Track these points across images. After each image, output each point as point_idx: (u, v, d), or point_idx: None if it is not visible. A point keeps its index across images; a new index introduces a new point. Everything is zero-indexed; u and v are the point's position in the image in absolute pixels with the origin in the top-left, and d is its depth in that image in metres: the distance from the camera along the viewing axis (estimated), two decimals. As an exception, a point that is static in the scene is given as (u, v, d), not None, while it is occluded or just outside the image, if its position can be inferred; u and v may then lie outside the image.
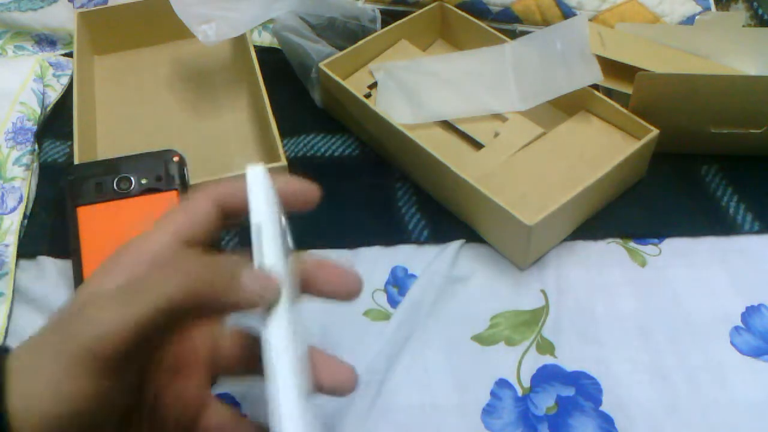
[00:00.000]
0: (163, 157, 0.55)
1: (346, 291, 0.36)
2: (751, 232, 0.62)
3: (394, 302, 0.57)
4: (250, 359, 0.36)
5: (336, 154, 0.69)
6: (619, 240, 0.62)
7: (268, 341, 0.31)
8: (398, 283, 0.59)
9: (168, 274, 0.30)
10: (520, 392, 0.52)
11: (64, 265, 0.60)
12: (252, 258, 0.33)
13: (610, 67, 0.66)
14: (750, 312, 0.57)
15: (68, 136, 0.64)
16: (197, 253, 0.33)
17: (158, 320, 0.29)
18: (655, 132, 0.62)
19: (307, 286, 0.36)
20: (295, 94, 0.73)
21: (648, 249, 0.61)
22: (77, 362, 0.28)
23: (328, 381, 0.34)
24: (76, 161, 0.59)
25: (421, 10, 0.75)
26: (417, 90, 0.68)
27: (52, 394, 0.28)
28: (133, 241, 0.33)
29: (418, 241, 0.61)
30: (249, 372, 0.37)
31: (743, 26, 0.74)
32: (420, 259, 0.60)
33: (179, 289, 0.29)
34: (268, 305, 0.31)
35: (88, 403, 0.29)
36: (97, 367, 0.28)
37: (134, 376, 0.32)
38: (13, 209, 0.62)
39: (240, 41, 0.75)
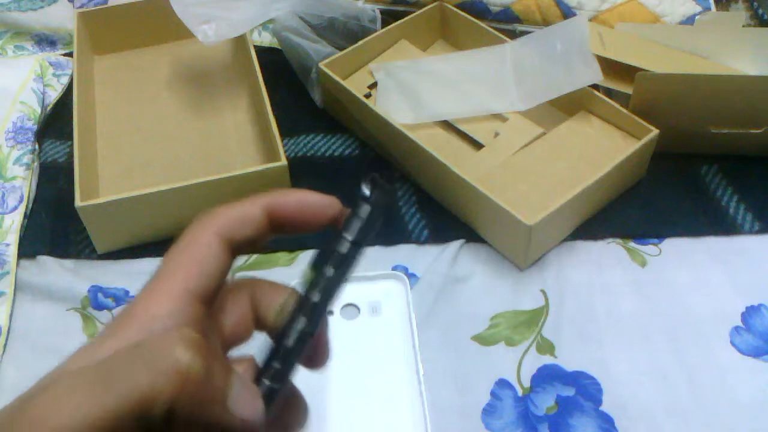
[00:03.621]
0: None
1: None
2: (751, 232, 0.62)
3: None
4: None
5: (336, 154, 0.69)
6: (619, 240, 0.62)
7: None
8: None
9: (147, 365, 0.24)
10: (520, 392, 0.52)
11: (64, 265, 0.60)
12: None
13: (610, 67, 0.66)
14: (750, 312, 0.57)
15: (68, 136, 0.64)
16: (192, 342, 0.25)
17: (123, 418, 0.24)
18: (655, 132, 0.62)
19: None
20: (295, 94, 0.73)
21: (648, 249, 0.61)
22: None
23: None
24: (75, 161, 0.59)
25: (421, 10, 0.75)
26: (417, 90, 0.68)
27: None
28: (138, 300, 0.28)
29: (418, 241, 0.61)
30: None
31: (743, 26, 0.74)
32: (420, 259, 0.60)
33: (154, 387, 0.24)
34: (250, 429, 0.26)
35: None
36: None
37: None
38: (14, 209, 0.62)
39: (240, 41, 0.75)
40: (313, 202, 0.30)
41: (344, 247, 0.28)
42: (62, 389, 0.24)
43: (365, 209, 0.28)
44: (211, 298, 0.29)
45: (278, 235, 0.31)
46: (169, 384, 0.24)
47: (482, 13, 0.76)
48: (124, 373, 0.24)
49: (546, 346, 0.54)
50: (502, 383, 0.52)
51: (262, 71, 0.67)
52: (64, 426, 0.23)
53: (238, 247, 0.29)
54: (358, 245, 0.28)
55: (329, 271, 0.27)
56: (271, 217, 0.30)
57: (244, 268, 0.59)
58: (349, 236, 0.28)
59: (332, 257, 0.28)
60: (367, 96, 0.70)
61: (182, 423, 0.25)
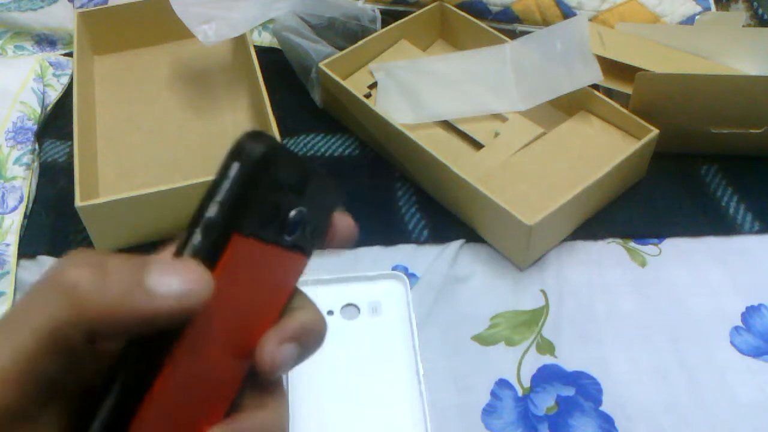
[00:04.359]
0: None
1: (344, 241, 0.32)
2: (751, 232, 0.62)
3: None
4: None
5: (336, 154, 0.69)
6: (619, 240, 0.62)
7: None
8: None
9: (38, 298, 0.23)
10: (520, 392, 0.52)
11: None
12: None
13: (610, 67, 0.66)
14: (750, 312, 0.57)
15: (68, 136, 0.64)
16: (74, 260, 0.24)
17: (39, 353, 0.22)
18: (655, 132, 0.62)
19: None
20: (295, 94, 0.73)
21: (648, 249, 0.61)
22: None
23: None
24: (75, 161, 0.59)
25: (421, 10, 0.75)
26: (417, 90, 0.68)
27: None
28: None
29: (418, 241, 0.61)
30: None
31: (743, 26, 0.74)
32: (420, 258, 0.60)
33: (51, 316, 0.23)
34: (194, 303, 0.24)
35: None
36: None
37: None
38: (14, 209, 0.62)
39: (240, 41, 0.75)
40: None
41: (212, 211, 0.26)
42: None
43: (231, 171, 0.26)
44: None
45: None
46: (61, 306, 0.23)
47: (482, 13, 0.76)
48: (17, 315, 0.23)
49: (546, 346, 0.54)
50: (502, 383, 0.52)
51: (262, 71, 0.67)
52: None
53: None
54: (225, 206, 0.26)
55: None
56: None
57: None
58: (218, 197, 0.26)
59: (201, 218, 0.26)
60: (367, 96, 0.70)
61: (119, 332, 0.23)
